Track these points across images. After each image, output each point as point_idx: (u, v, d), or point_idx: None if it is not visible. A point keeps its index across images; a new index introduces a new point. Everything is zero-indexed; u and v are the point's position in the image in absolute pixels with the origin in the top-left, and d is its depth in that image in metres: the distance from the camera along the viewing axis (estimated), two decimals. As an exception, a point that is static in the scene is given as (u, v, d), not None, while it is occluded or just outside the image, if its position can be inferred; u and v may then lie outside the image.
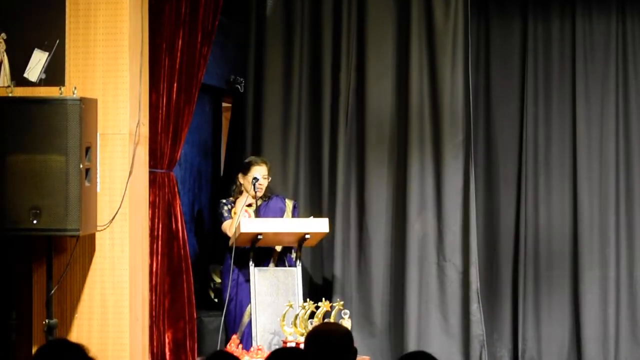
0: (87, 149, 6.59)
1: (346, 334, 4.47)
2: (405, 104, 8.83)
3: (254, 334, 7.83)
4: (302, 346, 7.44)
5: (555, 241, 9.10)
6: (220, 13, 7.77)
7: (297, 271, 8.04)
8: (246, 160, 8.38)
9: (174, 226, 7.64)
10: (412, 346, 8.59)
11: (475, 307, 8.67)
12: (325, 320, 7.57)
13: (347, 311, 7.71)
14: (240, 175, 8.28)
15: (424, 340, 8.66)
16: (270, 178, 8.26)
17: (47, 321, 6.65)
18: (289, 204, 8.39)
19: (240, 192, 8.27)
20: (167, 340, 7.58)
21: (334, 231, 8.70)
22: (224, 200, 8.28)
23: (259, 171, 8.19)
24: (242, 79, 9.37)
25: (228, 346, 7.58)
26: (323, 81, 8.93)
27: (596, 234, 9.04)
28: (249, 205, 8.19)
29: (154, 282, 7.46)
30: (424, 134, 8.81)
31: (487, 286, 9.12)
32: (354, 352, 4.46)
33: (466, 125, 8.79)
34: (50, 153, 6.45)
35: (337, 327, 4.60)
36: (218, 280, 9.09)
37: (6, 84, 6.98)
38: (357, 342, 5.25)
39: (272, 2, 8.98)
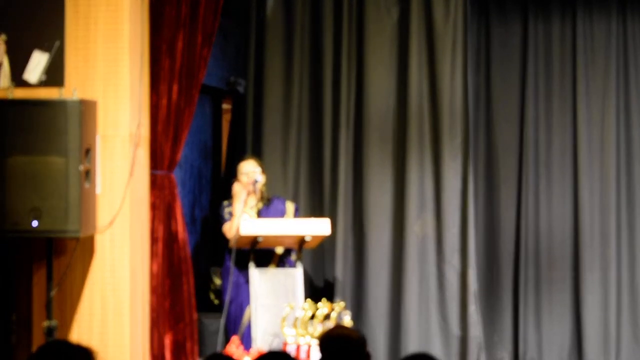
0: (87, 151, 6.58)
1: (360, 339, 4.47)
2: (405, 105, 8.83)
3: (254, 336, 7.82)
4: (303, 348, 7.47)
5: (556, 243, 9.09)
6: (220, 14, 7.76)
7: (297, 272, 8.03)
8: None
9: (174, 228, 7.63)
10: (411, 347, 8.59)
11: (473, 309, 8.66)
12: (326, 321, 7.57)
13: (348, 312, 7.70)
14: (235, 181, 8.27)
15: (423, 341, 8.66)
16: (264, 175, 8.20)
17: (47, 323, 6.65)
18: (290, 206, 8.37)
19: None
20: (167, 342, 7.57)
21: (334, 233, 8.69)
22: (226, 202, 8.27)
23: (245, 166, 8.19)
24: (242, 80, 9.36)
25: (227, 347, 7.57)
26: (323, 82, 8.92)
27: (597, 236, 9.03)
28: (250, 207, 8.18)
29: (154, 283, 7.46)
30: (423, 136, 8.81)
31: (488, 288, 9.12)
32: (367, 357, 4.47)
33: (465, 127, 8.79)
34: (50, 155, 6.44)
35: (351, 332, 4.59)
36: (218, 282, 9.09)
37: (6, 86, 6.97)
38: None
39: (273, 3, 8.98)
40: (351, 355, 4.41)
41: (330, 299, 8.42)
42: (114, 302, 6.95)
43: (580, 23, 9.14)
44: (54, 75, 6.97)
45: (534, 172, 9.15)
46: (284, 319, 7.61)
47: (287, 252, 8.25)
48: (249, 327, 7.99)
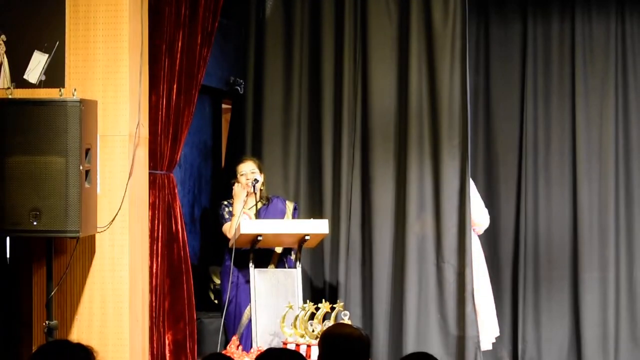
0: (87, 151, 6.59)
1: (361, 339, 4.45)
2: (405, 105, 8.83)
3: (253, 336, 7.83)
4: (302, 347, 7.48)
5: (555, 242, 9.11)
6: (220, 14, 7.77)
7: (297, 272, 8.04)
8: None
9: (173, 227, 7.64)
10: (410, 347, 8.59)
11: (470, 309, 8.66)
12: (325, 321, 7.58)
13: (347, 312, 7.71)
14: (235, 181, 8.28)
15: (422, 341, 8.66)
16: (262, 174, 8.22)
17: (47, 322, 6.65)
18: (290, 205, 8.38)
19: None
20: (167, 342, 7.58)
21: (335, 233, 8.69)
22: (226, 202, 8.28)
23: (244, 167, 8.20)
24: (241, 80, 9.36)
25: (228, 347, 7.58)
26: (323, 82, 8.93)
27: (596, 235, 9.05)
28: (250, 207, 8.19)
29: (154, 283, 7.46)
30: (422, 136, 8.81)
31: (487, 287, 9.13)
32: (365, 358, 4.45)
33: (463, 127, 8.79)
34: (50, 154, 6.45)
35: (353, 330, 4.56)
36: (218, 281, 9.09)
37: (6, 86, 6.98)
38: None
39: (272, 3, 8.98)
40: (351, 355, 4.38)
41: (331, 299, 8.42)
42: (113, 301, 6.96)
43: (579, 23, 9.15)
44: (54, 75, 6.97)
45: (533, 172, 9.16)
46: (283, 319, 7.61)
47: (287, 251, 8.26)
48: (248, 326, 8.00)
